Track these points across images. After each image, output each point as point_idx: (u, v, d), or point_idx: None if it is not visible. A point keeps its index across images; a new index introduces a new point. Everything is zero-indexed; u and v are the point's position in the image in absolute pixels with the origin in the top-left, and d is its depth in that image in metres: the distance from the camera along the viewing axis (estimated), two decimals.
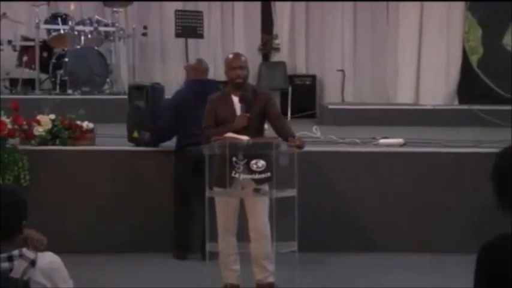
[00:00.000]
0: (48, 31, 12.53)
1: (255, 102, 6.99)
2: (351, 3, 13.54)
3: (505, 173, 3.35)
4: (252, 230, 6.99)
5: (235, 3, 13.76)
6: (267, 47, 13.80)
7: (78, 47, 12.25)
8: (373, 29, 13.50)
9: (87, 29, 12.38)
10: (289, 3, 13.69)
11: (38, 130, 8.67)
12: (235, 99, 6.99)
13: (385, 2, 13.40)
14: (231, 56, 7.33)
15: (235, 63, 7.02)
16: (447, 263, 7.92)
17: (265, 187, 6.83)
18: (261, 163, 6.70)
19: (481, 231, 7.71)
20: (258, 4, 13.79)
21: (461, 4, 13.08)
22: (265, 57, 13.85)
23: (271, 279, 7.03)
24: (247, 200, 6.93)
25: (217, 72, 13.26)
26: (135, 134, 8.74)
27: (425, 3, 13.14)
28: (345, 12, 13.49)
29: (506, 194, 3.33)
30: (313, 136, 9.89)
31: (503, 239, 3.35)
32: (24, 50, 12.46)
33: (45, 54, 12.36)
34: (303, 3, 13.68)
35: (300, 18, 13.70)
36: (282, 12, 13.73)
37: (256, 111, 6.96)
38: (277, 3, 13.76)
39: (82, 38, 12.35)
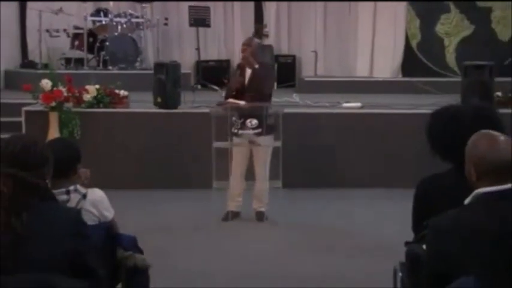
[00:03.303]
0: (94, 22, 12.44)
1: (255, 72, 7.08)
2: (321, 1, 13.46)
3: (435, 129, 3.39)
4: (257, 172, 7.04)
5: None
6: (259, 33, 13.67)
7: (116, 34, 12.17)
8: (338, 20, 13.38)
9: (123, 20, 12.27)
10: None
11: (87, 97, 8.67)
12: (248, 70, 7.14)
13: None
14: None
15: (242, 45, 7.37)
16: (395, 195, 7.93)
17: (259, 140, 6.86)
18: (254, 121, 6.75)
19: (420, 171, 7.79)
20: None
21: None
22: None
23: (263, 209, 7.11)
24: (255, 149, 6.96)
25: (220, 52, 13.29)
26: (159, 99, 8.74)
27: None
28: (317, 7, 13.40)
29: (436, 143, 3.38)
30: (294, 101, 9.90)
31: (435, 176, 3.40)
32: (76, 36, 12.36)
33: (91, 39, 12.26)
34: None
35: (284, 12, 13.61)
36: (270, 7, 13.64)
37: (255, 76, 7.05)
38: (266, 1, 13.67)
39: (119, 27, 12.25)
